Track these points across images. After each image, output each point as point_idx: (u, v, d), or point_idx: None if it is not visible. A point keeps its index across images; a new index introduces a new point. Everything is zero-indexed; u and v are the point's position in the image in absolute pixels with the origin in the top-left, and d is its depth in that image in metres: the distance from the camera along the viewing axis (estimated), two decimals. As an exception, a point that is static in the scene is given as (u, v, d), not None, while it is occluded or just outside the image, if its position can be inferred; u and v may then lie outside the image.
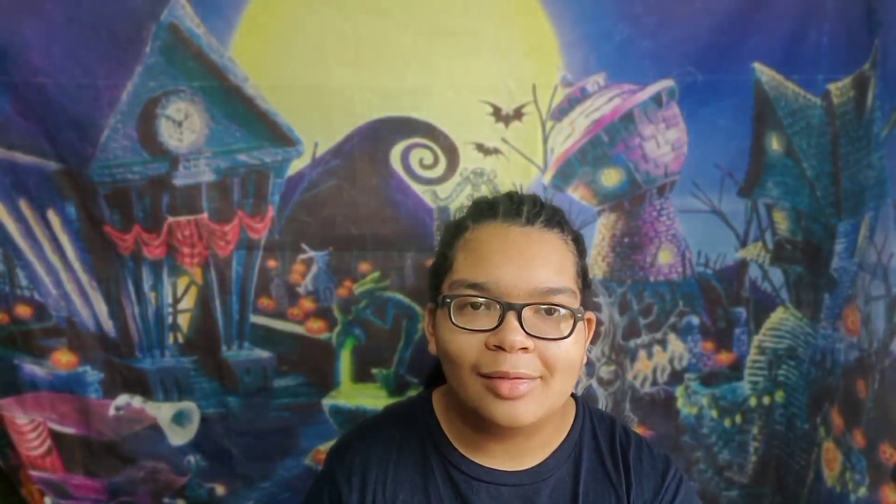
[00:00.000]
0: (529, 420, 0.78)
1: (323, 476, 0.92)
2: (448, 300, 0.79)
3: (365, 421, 0.96)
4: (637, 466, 0.87)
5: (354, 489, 0.85)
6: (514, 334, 0.75)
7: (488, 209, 0.86)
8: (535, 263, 0.79)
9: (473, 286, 0.78)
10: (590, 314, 0.85)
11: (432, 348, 0.86)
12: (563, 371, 0.78)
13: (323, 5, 1.04)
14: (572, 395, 0.94)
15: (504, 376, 0.75)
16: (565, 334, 0.78)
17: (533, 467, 0.85)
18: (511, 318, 0.76)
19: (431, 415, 0.89)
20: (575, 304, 0.81)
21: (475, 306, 0.78)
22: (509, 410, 0.77)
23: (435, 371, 0.91)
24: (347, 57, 1.06)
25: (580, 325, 0.80)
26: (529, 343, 0.76)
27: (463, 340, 0.78)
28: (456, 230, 0.87)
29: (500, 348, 0.76)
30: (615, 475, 0.86)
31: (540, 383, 0.77)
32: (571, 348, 0.79)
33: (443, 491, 0.84)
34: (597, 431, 0.89)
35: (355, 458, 0.88)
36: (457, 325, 0.78)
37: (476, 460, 0.85)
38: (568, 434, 0.88)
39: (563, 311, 0.78)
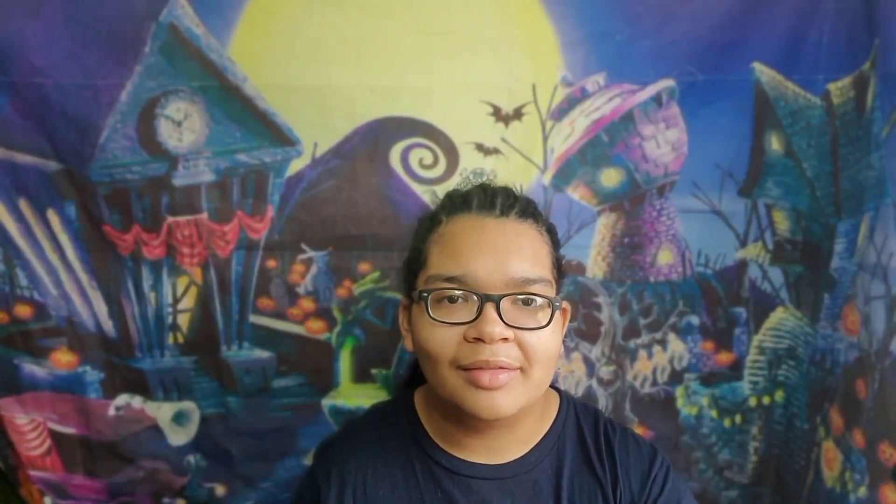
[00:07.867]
0: (510, 411, 0.78)
1: (306, 474, 0.93)
2: (425, 294, 0.79)
3: (349, 420, 0.96)
4: (623, 458, 0.87)
5: (333, 486, 0.86)
6: (494, 325, 0.75)
7: (462, 202, 0.86)
8: (511, 254, 0.79)
9: (450, 279, 0.78)
10: (565, 303, 0.85)
11: (409, 345, 0.86)
12: (542, 361, 0.78)
13: (323, 5, 1.04)
14: (556, 388, 0.94)
15: (484, 366, 0.75)
16: (543, 324, 0.78)
17: (514, 461, 0.85)
18: (490, 309, 0.76)
19: (413, 412, 0.90)
20: (551, 293, 0.81)
21: (452, 299, 0.78)
22: (490, 401, 0.77)
23: (414, 371, 0.91)
24: (347, 57, 1.06)
25: (557, 314, 0.80)
26: (509, 333, 0.76)
27: (441, 334, 0.78)
28: (429, 224, 0.86)
29: (479, 340, 0.76)
30: (600, 468, 0.86)
31: (519, 374, 0.78)
32: (550, 338, 0.79)
33: (424, 486, 0.85)
34: (581, 424, 0.89)
35: (335, 456, 0.89)
36: (435, 319, 0.78)
37: (457, 455, 0.85)
38: (550, 427, 0.88)
39: (540, 300, 0.79)
